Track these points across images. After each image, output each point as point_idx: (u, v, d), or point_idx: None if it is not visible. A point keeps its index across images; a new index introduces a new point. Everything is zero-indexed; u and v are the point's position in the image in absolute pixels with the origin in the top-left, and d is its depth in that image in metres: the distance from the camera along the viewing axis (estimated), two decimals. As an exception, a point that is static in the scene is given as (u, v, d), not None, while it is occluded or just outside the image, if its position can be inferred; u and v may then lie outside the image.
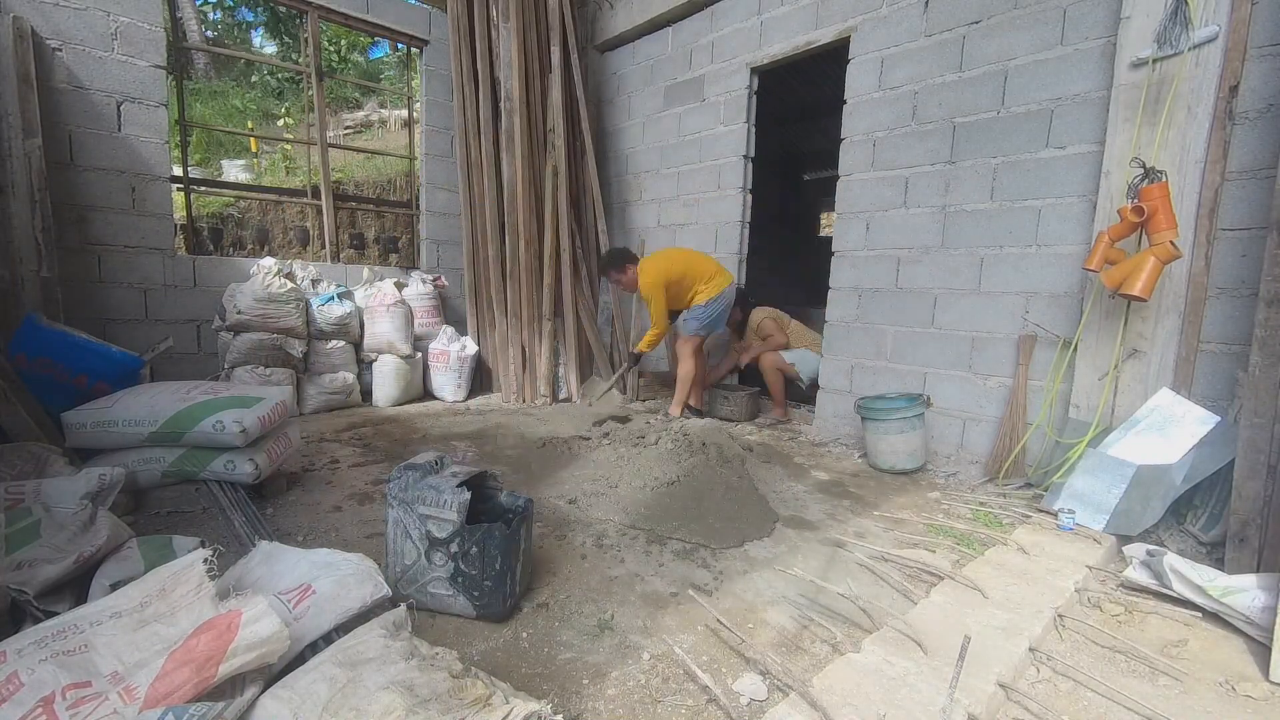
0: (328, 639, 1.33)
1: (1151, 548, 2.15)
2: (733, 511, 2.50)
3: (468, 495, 1.69)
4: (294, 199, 6.32)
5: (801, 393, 4.52)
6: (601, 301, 5.29)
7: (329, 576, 1.46)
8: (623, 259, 4.22)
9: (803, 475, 3.16)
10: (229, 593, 1.33)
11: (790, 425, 4.33)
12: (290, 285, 4.11)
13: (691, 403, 4.22)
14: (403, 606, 1.42)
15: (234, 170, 8.02)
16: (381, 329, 4.52)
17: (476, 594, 1.69)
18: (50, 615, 1.35)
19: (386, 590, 1.52)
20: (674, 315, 4.25)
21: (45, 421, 2.54)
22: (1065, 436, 2.85)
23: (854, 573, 2.10)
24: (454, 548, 1.68)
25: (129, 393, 2.53)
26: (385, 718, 1.06)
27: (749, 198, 4.54)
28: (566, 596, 1.88)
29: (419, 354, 4.79)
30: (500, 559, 1.67)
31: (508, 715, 1.11)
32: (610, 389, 4.69)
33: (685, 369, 4.12)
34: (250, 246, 6.79)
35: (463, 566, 1.68)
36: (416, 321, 4.93)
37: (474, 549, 1.67)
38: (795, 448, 3.69)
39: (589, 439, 3.44)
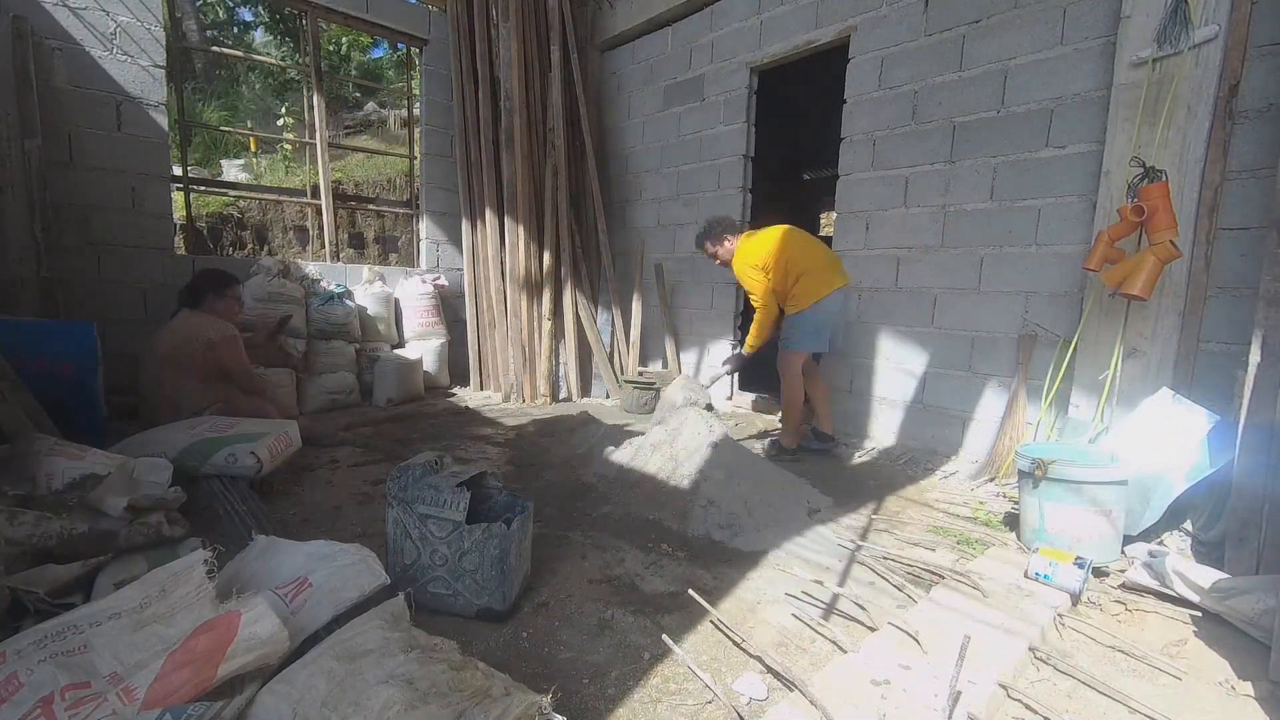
0: (327, 629, 1.33)
1: (1153, 548, 2.15)
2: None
3: (468, 494, 1.69)
4: (294, 199, 6.31)
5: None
6: (601, 301, 5.29)
7: (326, 568, 1.46)
8: (720, 229, 3.49)
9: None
10: (229, 591, 1.33)
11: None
12: (291, 284, 4.11)
13: (785, 443, 3.44)
14: (401, 597, 1.41)
15: (233, 170, 8.02)
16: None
17: (476, 593, 1.68)
18: (68, 608, 1.35)
19: (385, 579, 1.51)
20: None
21: (44, 421, 2.54)
22: (1065, 436, 2.85)
23: (854, 572, 2.10)
24: (454, 547, 1.68)
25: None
26: (385, 712, 1.06)
27: (749, 197, 4.54)
28: (567, 596, 1.88)
29: (420, 355, 4.80)
30: (500, 558, 1.67)
31: (507, 707, 1.11)
32: (709, 386, 3.82)
33: (785, 391, 3.42)
34: (250, 246, 6.79)
35: (465, 565, 1.68)
36: (417, 321, 4.94)
37: (473, 548, 1.67)
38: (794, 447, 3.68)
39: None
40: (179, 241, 5.03)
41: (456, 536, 1.68)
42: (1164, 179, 2.49)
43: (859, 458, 3.47)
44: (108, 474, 1.87)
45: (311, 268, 4.46)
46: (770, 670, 1.54)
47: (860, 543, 2.29)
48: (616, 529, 2.38)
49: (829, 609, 1.86)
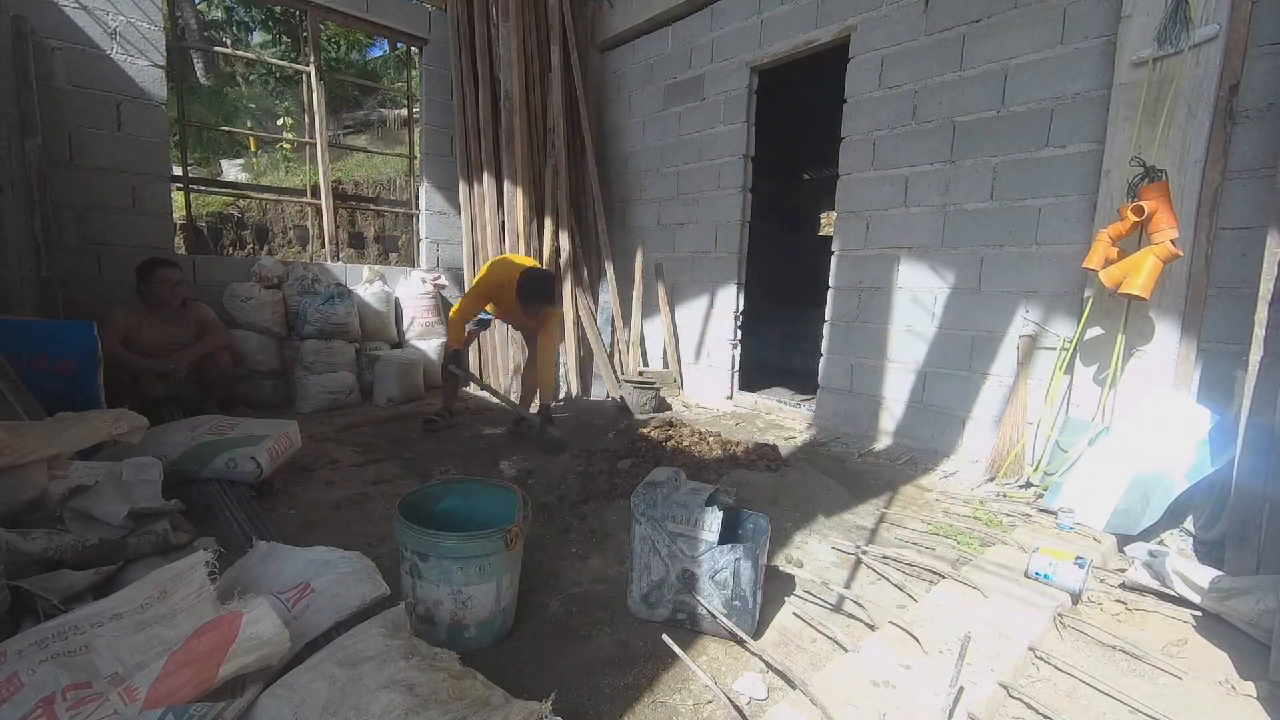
0: (327, 636, 1.33)
1: (1154, 548, 2.15)
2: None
3: (720, 514, 1.66)
4: (294, 199, 6.32)
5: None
6: (601, 301, 5.29)
7: (328, 575, 1.46)
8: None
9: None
10: (231, 593, 1.33)
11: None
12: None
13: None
14: (402, 605, 1.41)
15: (233, 170, 8.03)
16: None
17: (726, 614, 1.66)
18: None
19: (385, 588, 1.51)
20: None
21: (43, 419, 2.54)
22: (1065, 436, 2.85)
23: (855, 572, 2.10)
24: (704, 566, 1.65)
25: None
26: (385, 717, 1.06)
27: (749, 197, 4.54)
28: (568, 595, 1.88)
29: (421, 355, 4.80)
30: (753, 579, 1.64)
31: (508, 715, 1.11)
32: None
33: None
34: (250, 246, 6.80)
35: (716, 584, 1.66)
36: (417, 321, 4.93)
37: (726, 567, 1.64)
38: (795, 447, 3.68)
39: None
40: (179, 241, 5.03)
41: (708, 556, 1.65)
42: (1164, 178, 2.49)
43: (859, 457, 3.47)
44: (94, 483, 1.86)
45: (313, 267, 4.46)
46: (771, 669, 1.54)
47: (861, 542, 2.29)
48: (614, 529, 2.38)
49: (829, 608, 1.86)
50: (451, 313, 3.69)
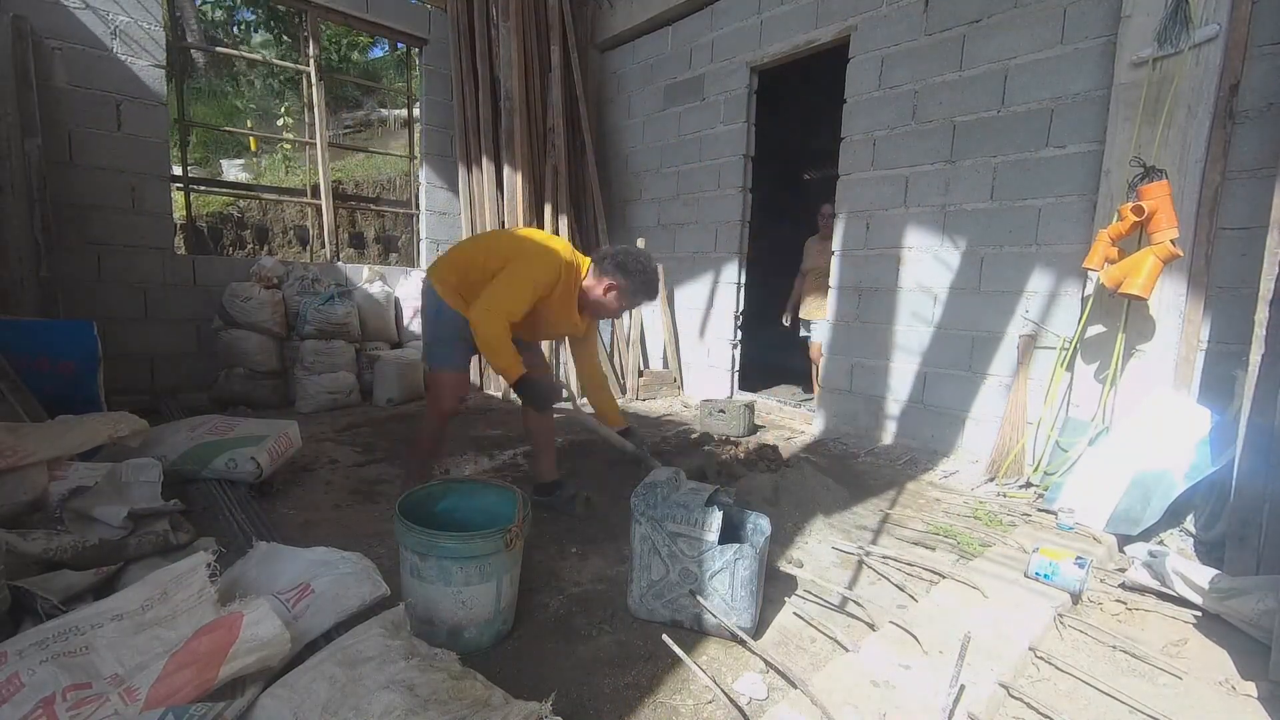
0: (327, 637, 1.33)
1: (1154, 548, 2.14)
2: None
3: (720, 514, 1.65)
4: (294, 199, 6.32)
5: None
6: (601, 301, 5.29)
7: (328, 575, 1.46)
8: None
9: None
10: (231, 594, 1.33)
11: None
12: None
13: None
14: (401, 605, 1.41)
15: (233, 170, 8.02)
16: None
17: (725, 613, 1.64)
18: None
19: (385, 589, 1.51)
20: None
21: (44, 419, 2.54)
22: (1065, 436, 2.85)
23: (855, 572, 2.10)
24: (704, 566, 1.65)
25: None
26: (385, 717, 1.06)
27: (749, 197, 4.54)
28: (568, 594, 1.88)
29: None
30: (750, 579, 1.63)
31: (507, 715, 1.11)
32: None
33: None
34: (250, 246, 6.79)
35: (715, 585, 1.65)
36: (418, 321, 4.93)
37: (724, 568, 1.63)
38: (796, 447, 3.69)
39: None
40: (179, 241, 5.03)
41: (709, 556, 1.64)
42: (1164, 178, 2.49)
43: (859, 457, 3.47)
44: (94, 484, 1.87)
45: (312, 267, 4.46)
46: (771, 669, 1.54)
47: (861, 542, 2.29)
48: (613, 532, 2.38)
49: (829, 608, 1.86)
50: (488, 328, 2.13)
